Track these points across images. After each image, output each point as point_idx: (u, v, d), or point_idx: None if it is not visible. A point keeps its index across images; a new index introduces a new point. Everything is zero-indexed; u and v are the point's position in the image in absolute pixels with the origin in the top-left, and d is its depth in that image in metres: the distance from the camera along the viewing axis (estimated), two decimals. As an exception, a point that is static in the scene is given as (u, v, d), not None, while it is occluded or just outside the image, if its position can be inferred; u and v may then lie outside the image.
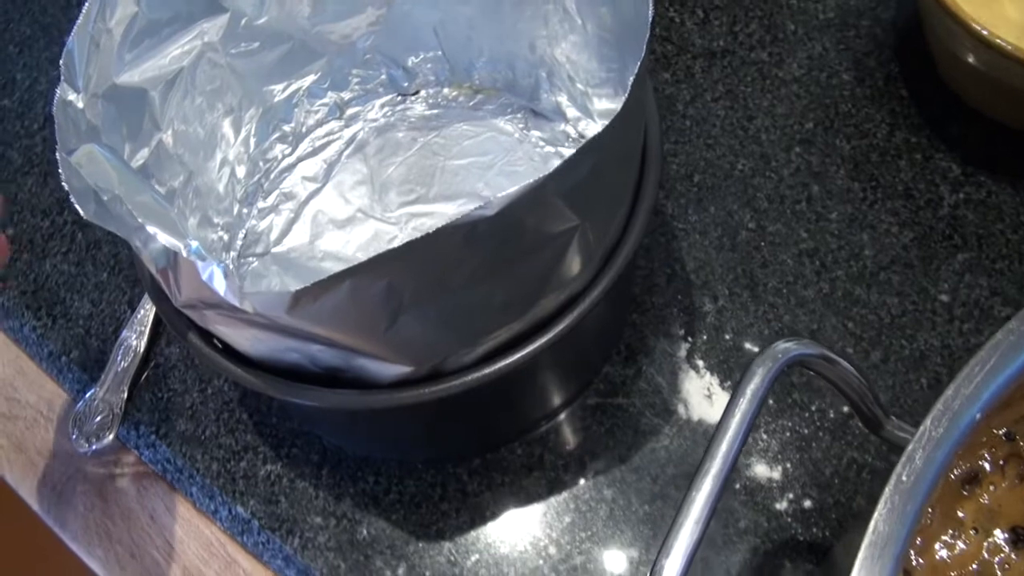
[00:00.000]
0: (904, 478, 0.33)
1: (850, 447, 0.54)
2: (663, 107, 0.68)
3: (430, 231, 0.36)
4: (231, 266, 0.56)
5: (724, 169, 0.65)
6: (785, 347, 0.37)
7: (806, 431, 0.55)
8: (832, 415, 0.55)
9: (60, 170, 0.42)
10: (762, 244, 0.62)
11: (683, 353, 0.59)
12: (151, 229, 0.40)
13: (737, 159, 0.66)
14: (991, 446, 0.42)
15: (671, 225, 0.63)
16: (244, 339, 0.44)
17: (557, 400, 0.56)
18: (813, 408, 0.56)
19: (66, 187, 0.41)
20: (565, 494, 0.55)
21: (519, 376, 0.45)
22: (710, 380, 0.58)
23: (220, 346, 0.47)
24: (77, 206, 0.41)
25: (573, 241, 0.41)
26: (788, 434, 0.55)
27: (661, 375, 0.58)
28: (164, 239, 0.40)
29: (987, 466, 0.42)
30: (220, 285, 0.38)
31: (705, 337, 0.59)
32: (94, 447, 0.60)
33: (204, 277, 0.38)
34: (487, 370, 0.44)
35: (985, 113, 0.64)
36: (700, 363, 0.58)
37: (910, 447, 0.33)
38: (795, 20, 0.72)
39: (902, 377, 0.56)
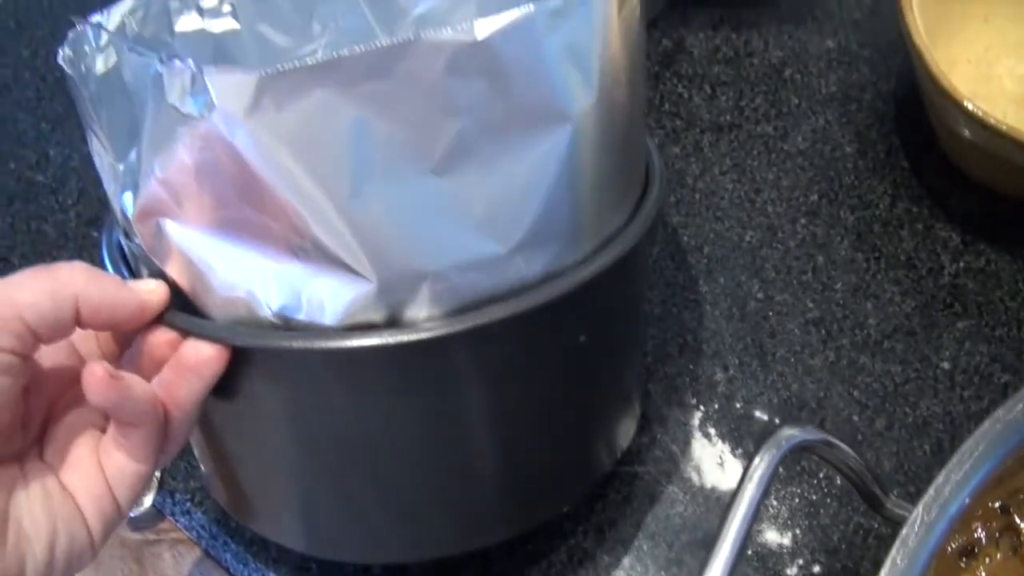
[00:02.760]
0: (899, 561, 0.35)
1: (856, 513, 0.57)
2: (673, 181, 0.71)
3: (409, 39, 0.34)
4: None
5: (732, 240, 0.68)
6: (789, 434, 0.40)
7: (814, 497, 0.57)
8: (839, 482, 0.58)
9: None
10: (770, 314, 0.65)
11: (696, 421, 0.61)
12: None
13: (745, 231, 0.69)
14: (987, 519, 0.44)
15: (682, 295, 0.66)
16: (197, 252, 0.40)
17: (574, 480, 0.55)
18: (820, 475, 0.58)
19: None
20: (586, 562, 0.57)
21: (520, 399, 0.44)
22: (722, 448, 0.60)
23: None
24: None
25: (566, 149, 0.39)
26: (797, 500, 0.58)
27: (675, 443, 0.60)
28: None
29: (983, 539, 0.44)
30: (183, 77, 0.35)
31: (716, 406, 0.62)
32: (131, 514, 0.63)
33: (169, 81, 0.36)
34: (464, 323, 0.39)
35: (983, 184, 0.67)
36: (712, 431, 0.61)
37: (904, 531, 0.36)
38: (799, 94, 0.75)
39: (906, 444, 0.59)
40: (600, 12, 0.38)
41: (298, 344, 0.39)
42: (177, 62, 0.35)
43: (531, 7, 0.35)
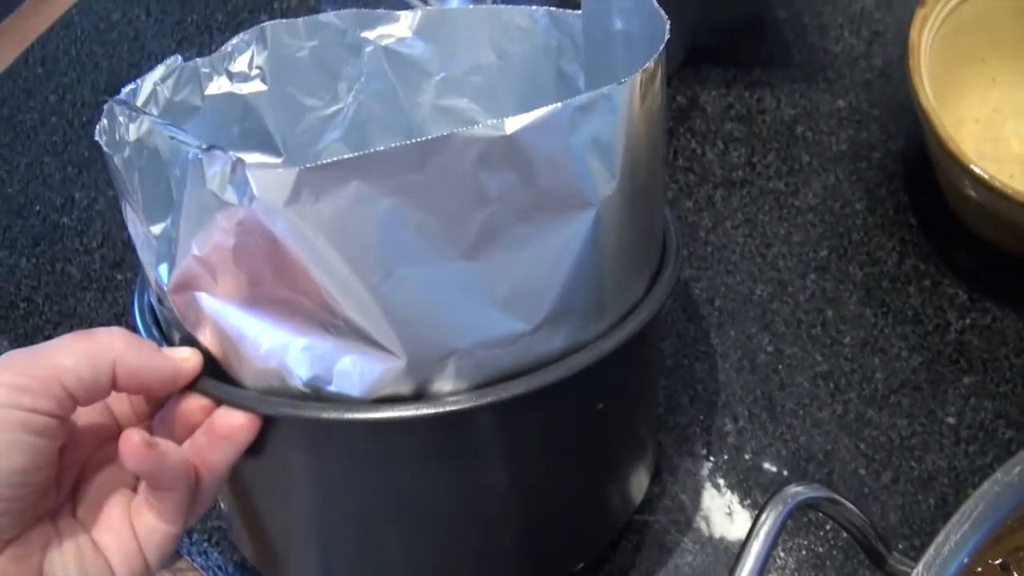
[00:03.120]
0: (901, 617, 0.36)
1: (862, 566, 0.58)
2: (686, 234, 0.73)
3: (443, 134, 0.35)
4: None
5: (743, 294, 0.70)
6: (795, 491, 0.41)
7: (820, 549, 0.59)
8: (844, 534, 0.59)
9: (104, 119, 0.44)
10: (780, 367, 0.66)
11: (705, 472, 0.62)
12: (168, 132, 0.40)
13: (756, 284, 0.70)
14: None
15: (694, 347, 0.67)
16: (231, 324, 0.41)
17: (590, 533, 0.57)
18: (827, 527, 0.59)
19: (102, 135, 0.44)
20: (595, 608, 0.59)
21: (538, 448, 0.46)
22: (731, 498, 0.61)
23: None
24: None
25: (589, 232, 0.40)
26: (804, 552, 0.59)
27: (685, 493, 0.62)
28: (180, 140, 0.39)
29: (984, 595, 0.45)
30: (223, 167, 0.37)
31: (726, 456, 0.63)
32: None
33: (208, 168, 0.37)
34: (488, 397, 0.41)
35: (990, 243, 0.69)
36: (721, 481, 0.62)
37: (906, 589, 0.37)
38: (810, 152, 0.76)
39: (911, 497, 0.60)
40: (624, 107, 0.40)
41: (328, 415, 0.40)
42: (218, 152, 0.37)
43: (559, 104, 0.37)
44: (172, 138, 0.40)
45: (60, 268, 0.80)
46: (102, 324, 0.75)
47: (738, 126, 0.78)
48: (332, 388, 0.41)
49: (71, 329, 0.75)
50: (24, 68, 0.95)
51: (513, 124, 0.36)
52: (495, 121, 0.36)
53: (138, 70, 0.93)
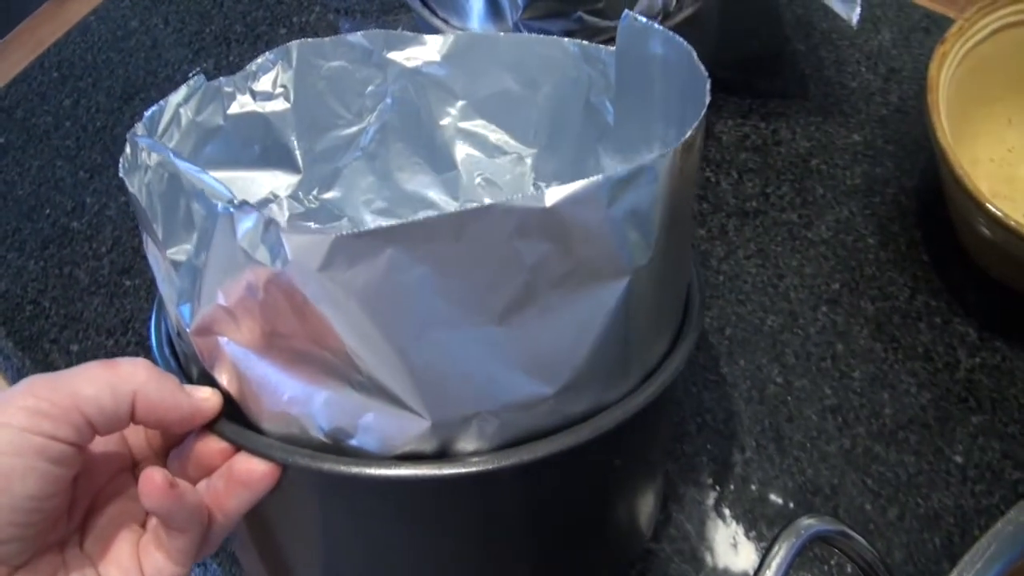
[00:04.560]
0: (912, 656, 0.36)
1: (867, 602, 0.57)
2: (697, 262, 0.72)
3: (481, 205, 0.35)
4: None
5: (754, 324, 0.70)
6: (808, 523, 0.41)
7: (825, 584, 0.58)
8: (849, 570, 0.59)
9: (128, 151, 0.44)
10: (788, 399, 0.66)
11: (711, 501, 0.62)
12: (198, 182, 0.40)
13: (767, 315, 0.70)
14: (997, 618, 0.45)
15: (702, 376, 0.67)
16: (253, 370, 0.41)
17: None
18: (832, 562, 0.59)
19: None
20: (596, 634, 0.58)
21: (553, 495, 0.45)
22: (736, 529, 0.61)
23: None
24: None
25: (620, 299, 0.40)
26: (808, 586, 0.58)
27: (690, 522, 0.61)
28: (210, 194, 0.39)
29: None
30: (256, 225, 0.37)
31: (732, 487, 0.63)
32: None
33: (239, 224, 0.37)
34: (511, 459, 0.40)
35: (1002, 281, 0.68)
36: (727, 512, 0.62)
37: (919, 626, 0.37)
38: (824, 185, 0.76)
39: (916, 535, 0.60)
40: (664, 177, 0.39)
41: (351, 470, 0.40)
42: (250, 209, 0.37)
43: (599, 177, 0.36)
44: (201, 189, 0.40)
45: (68, 272, 0.80)
46: (108, 329, 0.76)
47: (753, 157, 0.79)
48: (354, 442, 0.40)
49: (77, 333, 0.76)
50: (40, 72, 0.96)
51: (552, 196, 0.36)
52: (535, 192, 0.35)
53: (154, 78, 0.93)
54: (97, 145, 0.89)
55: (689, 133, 0.40)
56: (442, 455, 0.41)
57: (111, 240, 0.82)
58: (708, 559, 0.60)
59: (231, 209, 0.37)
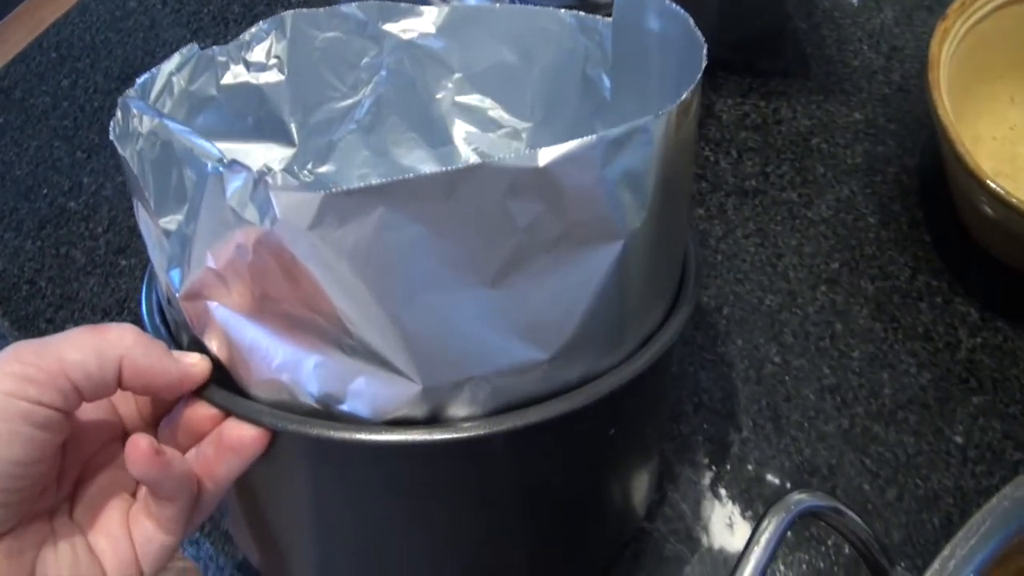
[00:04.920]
0: (903, 631, 0.35)
1: (863, 582, 0.57)
2: (695, 241, 0.72)
3: (473, 164, 0.35)
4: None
5: (752, 304, 0.69)
6: (799, 498, 0.41)
7: (822, 565, 0.58)
8: (847, 551, 0.58)
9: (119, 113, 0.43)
10: (786, 378, 0.65)
11: (707, 481, 0.62)
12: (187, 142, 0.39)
13: (765, 294, 0.69)
14: (993, 596, 0.44)
15: (699, 355, 0.67)
16: (242, 335, 0.40)
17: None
18: (829, 543, 0.58)
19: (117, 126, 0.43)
20: (590, 615, 0.58)
21: (545, 463, 0.45)
22: (732, 509, 0.60)
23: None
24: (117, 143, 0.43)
25: (615, 263, 0.39)
26: (805, 567, 0.58)
27: (685, 502, 0.61)
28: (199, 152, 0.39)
29: (988, 615, 0.44)
30: (245, 183, 0.36)
31: (728, 467, 0.62)
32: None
33: (229, 184, 0.36)
34: (503, 424, 0.40)
35: (1004, 261, 0.68)
36: (723, 492, 0.61)
37: (910, 602, 0.36)
38: (825, 164, 0.76)
39: (915, 516, 0.59)
40: (659, 139, 0.38)
41: (341, 435, 0.39)
42: (239, 168, 0.36)
43: (593, 137, 0.36)
44: (190, 145, 0.39)
45: (64, 252, 0.80)
46: (104, 309, 0.75)
47: (753, 136, 0.78)
48: (344, 407, 0.40)
49: (72, 313, 0.75)
50: (38, 52, 0.95)
51: (546, 156, 0.35)
52: (527, 152, 0.35)
53: (152, 58, 0.92)
54: (95, 125, 0.88)
55: (685, 95, 0.39)
56: (433, 421, 0.40)
57: (107, 220, 0.81)
58: (703, 539, 0.59)
59: (220, 168, 0.37)
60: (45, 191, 0.84)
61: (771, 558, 0.39)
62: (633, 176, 0.38)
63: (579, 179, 0.36)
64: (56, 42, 0.96)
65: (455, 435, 0.39)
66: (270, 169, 0.57)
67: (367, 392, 0.39)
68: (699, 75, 0.41)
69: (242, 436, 0.41)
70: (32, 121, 0.89)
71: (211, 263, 0.39)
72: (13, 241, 0.80)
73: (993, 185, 0.59)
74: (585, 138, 0.36)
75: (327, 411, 0.40)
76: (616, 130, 0.37)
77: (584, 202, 0.37)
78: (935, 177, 0.73)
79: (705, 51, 0.42)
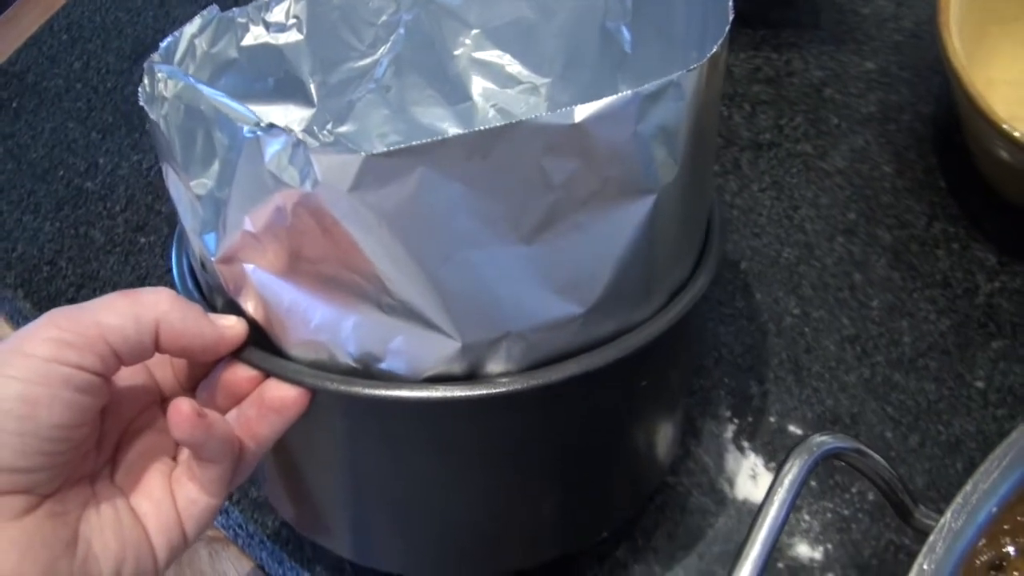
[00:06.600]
0: (926, 567, 0.36)
1: (888, 529, 0.57)
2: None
3: (510, 123, 0.35)
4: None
5: (770, 257, 0.69)
6: (821, 440, 0.41)
7: (846, 512, 0.58)
8: (871, 497, 0.58)
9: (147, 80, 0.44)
10: (806, 330, 0.65)
11: (729, 434, 0.62)
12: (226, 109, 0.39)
13: (783, 247, 0.69)
14: (1016, 533, 0.44)
15: (719, 310, 0.67)
16: (280, 297, 0.41)
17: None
18: (853, 490, 0.58)
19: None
20: (617, 570, 0.58)
21: (582, 414, 0.46)
22: (755, 461, 0.61)
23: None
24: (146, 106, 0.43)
25: (647, 217, 0.40)
26: (829, 515, 0.58)
27: (708, 455, 0.61)
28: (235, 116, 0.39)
29: (1012, 551, 0.44)
30: (284, 147, 0.36)
31: (750, 419, 0.62)
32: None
33: (267, 147, 0.37)
34: (540, 379, 0.41)
35: (1020, 205, 0.67)
36: (745, 444, 0.61)
37: (931, 538, 0.36)
38: (839, 114, 0.75)
39: (938, 461, 0.59)
40: (691, 94, 0.39)
41: (382, 392, 0.40)
42: (279, 131, 0.36)
43: (628, 93, 0.36)
44: (226, 108, 0.39)
45: (83, 232, 0.80)
46: (125, 287, 0.76)
47: (766, 88, 0.78)
48: (383, 365, 0.40)
49: (94, 291, 0.76)
50: (49, 35, 0.95)
51: (581, 113, 0.35)
52: (563, 110, 0.35)
53: (163, 36, 0.92)
54: (108, 106, 0.89)
55: (715, 48, 0.39)
56: (470, 377, 0.41)
57: (125, 199, 0.82)
58: (727, 491, 0.60)
59: (258, 132, 0.37)
60: (61, 172, 0.84)
61: (795, 499, 0.39)
62: (666, 131, 0.38)
63: (614, 135, 0.37)
64: (67, 24, 0.96)
65: (496, 390, 0.40)
66: (291, 131, 0.58)
67: (406, 350, 0.40)
68: (728, 27, 0.41)
69: (284, 396, 0.41)
70: (46, 104, 0.89)
71: (249, 227, 0.39)
72: (32, 223, 0.81)
73: (1008, 128, 0.59)
74: (620, 94, 0.36)
75: (366, 370, 0.41)
76: (650, 85, 0.37)
77: (618, 158, 0.37)
78: (950, 124, 0.73)
79: (732, 1, 0.42)
